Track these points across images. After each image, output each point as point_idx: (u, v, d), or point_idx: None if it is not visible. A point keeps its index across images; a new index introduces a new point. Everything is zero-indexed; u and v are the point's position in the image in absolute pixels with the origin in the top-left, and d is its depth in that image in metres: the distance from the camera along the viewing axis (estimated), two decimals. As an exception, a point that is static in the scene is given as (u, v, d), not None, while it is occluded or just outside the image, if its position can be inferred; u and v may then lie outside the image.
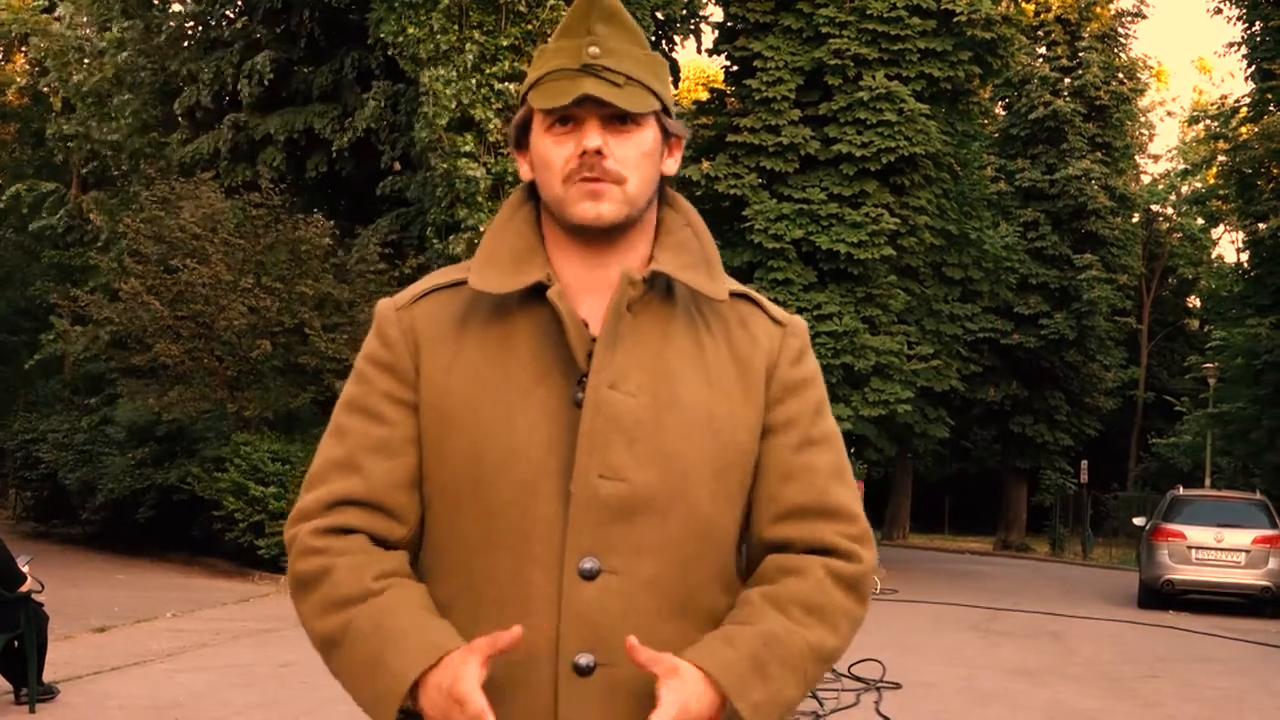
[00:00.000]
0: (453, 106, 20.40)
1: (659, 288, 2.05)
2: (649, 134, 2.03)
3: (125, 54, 27.35)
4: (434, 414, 2.02)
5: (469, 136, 20.68)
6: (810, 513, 2.05)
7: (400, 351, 2.05)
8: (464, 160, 20.49)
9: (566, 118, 2.00)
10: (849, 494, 2.09)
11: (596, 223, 1.99)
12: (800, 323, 2.17)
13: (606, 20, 2.02)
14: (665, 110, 2.06)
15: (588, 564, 1.92)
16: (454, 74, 20.46)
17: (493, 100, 20.75)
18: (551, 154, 2.01)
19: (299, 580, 2.00)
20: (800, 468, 2.06)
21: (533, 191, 2.10)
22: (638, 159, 2.01)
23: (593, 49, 1.99)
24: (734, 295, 2.12)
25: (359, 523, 2.01)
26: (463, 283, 2.06)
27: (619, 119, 2.00)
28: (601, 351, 1.97)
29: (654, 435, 1.97)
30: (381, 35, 21.64)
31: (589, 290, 2.02)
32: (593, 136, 1.97)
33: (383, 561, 1.99)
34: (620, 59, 2.00)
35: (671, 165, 2.11)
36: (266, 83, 25.07)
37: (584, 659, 1.90)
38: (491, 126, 20.61)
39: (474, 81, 20.79)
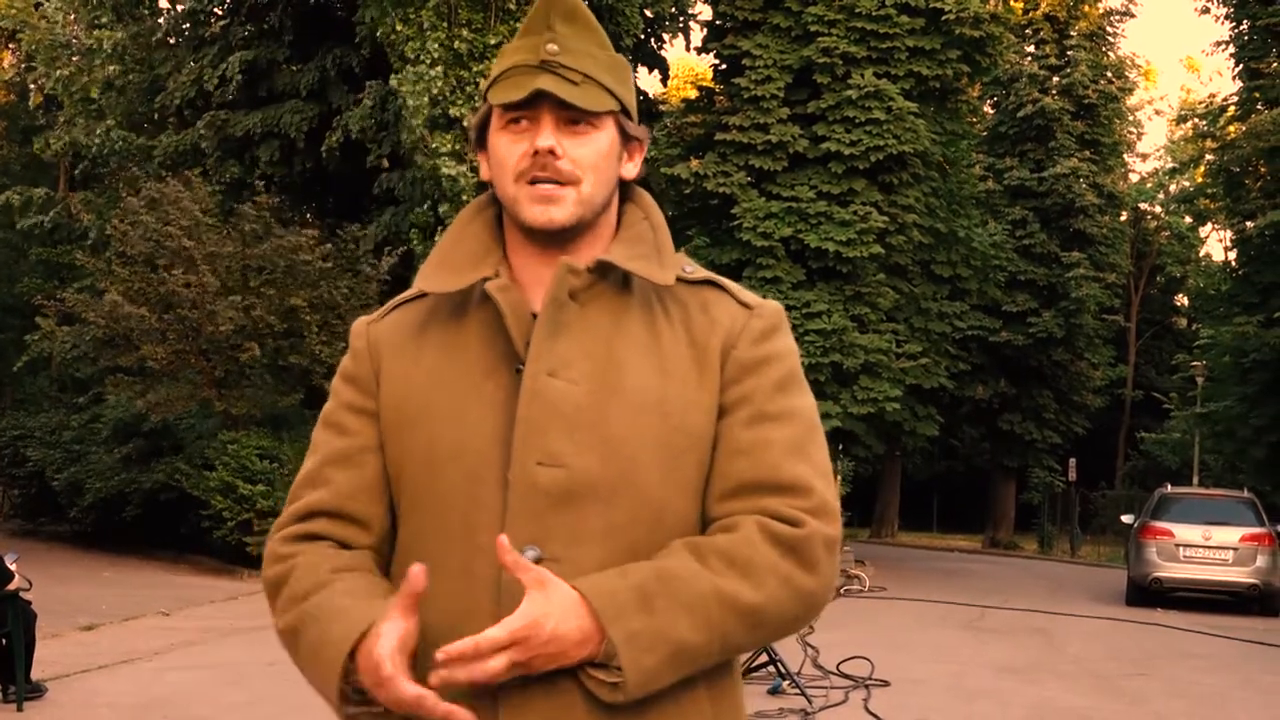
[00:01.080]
0: (426, 105, 20.36)
1: (615, 280, 2.04)
2: (606, 135, 2.03)
3: (114, 66, 27.34)
4: (394, 416, 2.05)
5: (450, 135, 20.67)
6: (759, 489, 1.97)
7: (363, 362, 2.11)
8: (444, 159, 20.47)
9: (522, 115, 2.00)
10: (807, 469, 1.99)
11: (548, 226, 1.99)
12: (772, 306, 2.12)
13: (567, 19, 2.02)
14: (626, 112, 2.05)
15: (529, 553, 1.89)
16: (424, 68, 20.42)
17: (477, 98, 20.74)
18: (506, 151, 2.02)
19: (267, 585, 2.06)
20: (751, 443, 1.99)
21: (496, 196, 2.11)
22: (594, 160, 2.01)
23: (551, 46, 1.99)
24: (701, 282, 2.09)
25: (327, 530, 2.05)
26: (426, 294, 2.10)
27: (575, 119, 1.99)
28: (540, 340, 1.97)
29: (596, 422, 1.95)
30: (377, 32, 21.59)
31: (546, 287, 2.02)
32: (546, 136, 1.98)
33: (341, 557, 2.03)
34: (579, 57, 2.00)
35: (631, 169, 2.10)
36: (237, 80, 25.04)
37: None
38: (472, 123, 20.60)
39: (453, 78, 20.75)
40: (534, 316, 2.00)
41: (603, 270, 2.02)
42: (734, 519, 1.96)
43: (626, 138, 2.08)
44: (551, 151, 1.97)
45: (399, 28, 20.91)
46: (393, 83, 20.84)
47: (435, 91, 20.57)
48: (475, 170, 20.17)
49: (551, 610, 1.82)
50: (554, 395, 1.95)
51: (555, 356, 1.97)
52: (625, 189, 2.11)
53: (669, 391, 1.99)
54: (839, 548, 2.01)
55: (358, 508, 2.06)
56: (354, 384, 2.10)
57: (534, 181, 1.98)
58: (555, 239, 2.02)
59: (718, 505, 2.00)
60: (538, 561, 1.90)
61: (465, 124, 20.77)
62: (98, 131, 27.42)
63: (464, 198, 20.46)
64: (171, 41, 27.77)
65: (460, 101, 20.75)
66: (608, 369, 1.98)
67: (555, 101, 1.97)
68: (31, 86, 33.27)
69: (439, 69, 20.68)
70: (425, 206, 21.25)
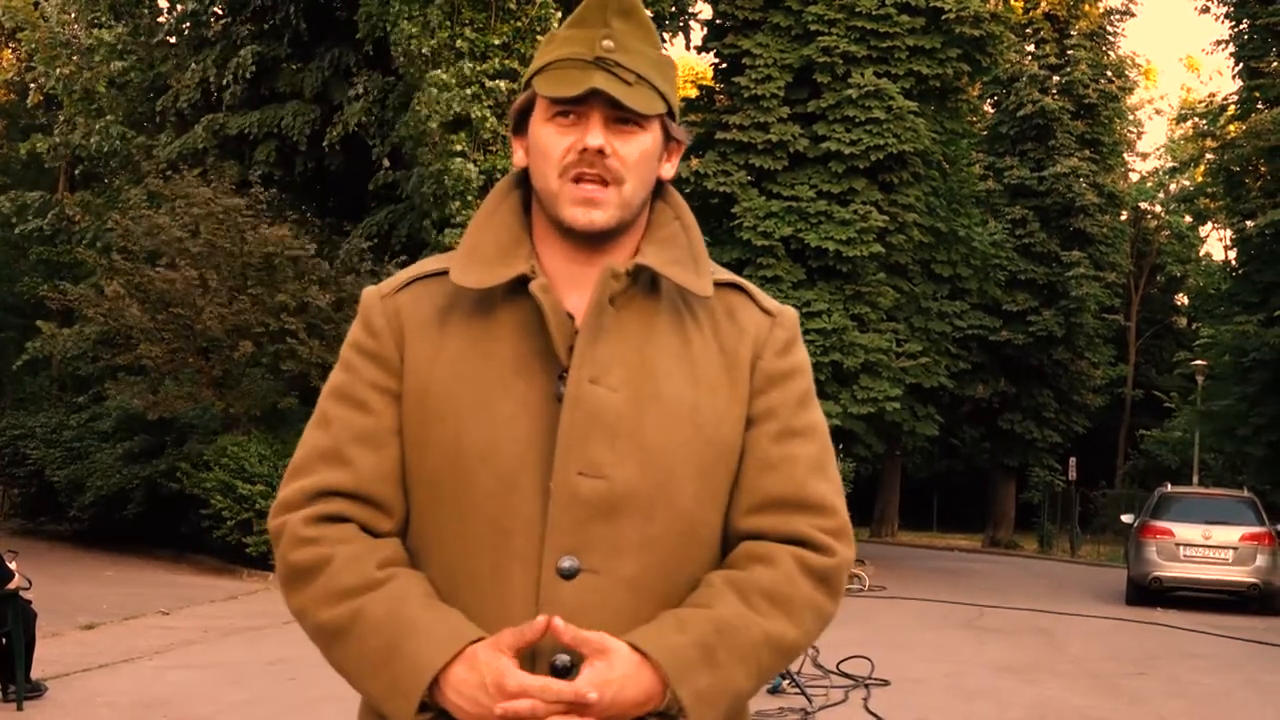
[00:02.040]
0: (448, 112, 20.34)
1: (644, 282, 2.01)
2: (652, 136, 2.00)
3: (116, 62, 27.35)
4: (416, 404, 1.99)
5: (462, 135, 20.65)
6: (786, 505, 2.00)
7: (385, 340, 2.03)
8: (456, 160, 20.45)
9: (571, 109, 1.97)
10: (829, 488, 2.04)
11: (589, 229, 1.96)
12: (790, 313, 2.13)
13: (623, 15, 1.99)
14: (670, 113, 2.03)
15: (566, 563, 1.89)
16: (453, 80, 20.41)
17: (483, 98, 20.71)
18: (551, 144, 1.97)
19: (294, 570, 1.97)
20: (779, 459, 2.01)
21: (522, 179, 2.07)
22: (638, 161, 1.98)
23: (607, 42, 1.96)
24: (724, 285, 2.08)
25: (350, 513, 1.99)
26: (446, 272, 2.03)
27: (624, 119, 1.97)
28: (583, 345, 1.94)
29: (635, 431, 1.93)
30: (390, 33, 21.56)
31: (575, 285, 1.99)
32: (595, 134, 1.95)
33: (382, 549, 1.97)
34: (633, 57, 1.97)
35: (669, 170, 2.07)
36: (247, 78, 25.03)
37: (561, 660, 1.87)
38: (486, 124, 20.55)
39: (458, 77, 20.73)
40: (569, 317, 1.97)
41: (636, 273, 2.00)
42: (769, 549, 1.99)
43: (667, 138, 2.05)
44: (600, 150, 1.94)
45: (405, 26, 20.89)
46: (427, 80, 20.68)
47: (451, 98, 20.50)
48: (481, 169, 20.29)
49: (614, 678, 1.83)
50: (596, 403, 1.93)
51: (597, 363, 1.94)
52: (656, 186, 2.08)
53: (701, 402, 1.99)
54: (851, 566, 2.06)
55: (383, 492, 2.00)
56: (377, 361, 2.03)
57: (579, 179, 1.95)
58: (591, 238, 1.99)
59: (745, 519, 2.02)
60: (576, 572, 1.90)
61: (474, 124, 20.71)
62: (97, 127, 27.41)
63: (470, 197, 20.43)
64: (172, 41, 27.77)
65: (467, 99, 20.70)
66: (643, 377, 1.96)
67: (607, 100, 1.95)
68: (31, 86, 33.24)
69: (459, 73, 20.60)
70: (438, 203, 21.14)
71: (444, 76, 20.37)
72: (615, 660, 1.83)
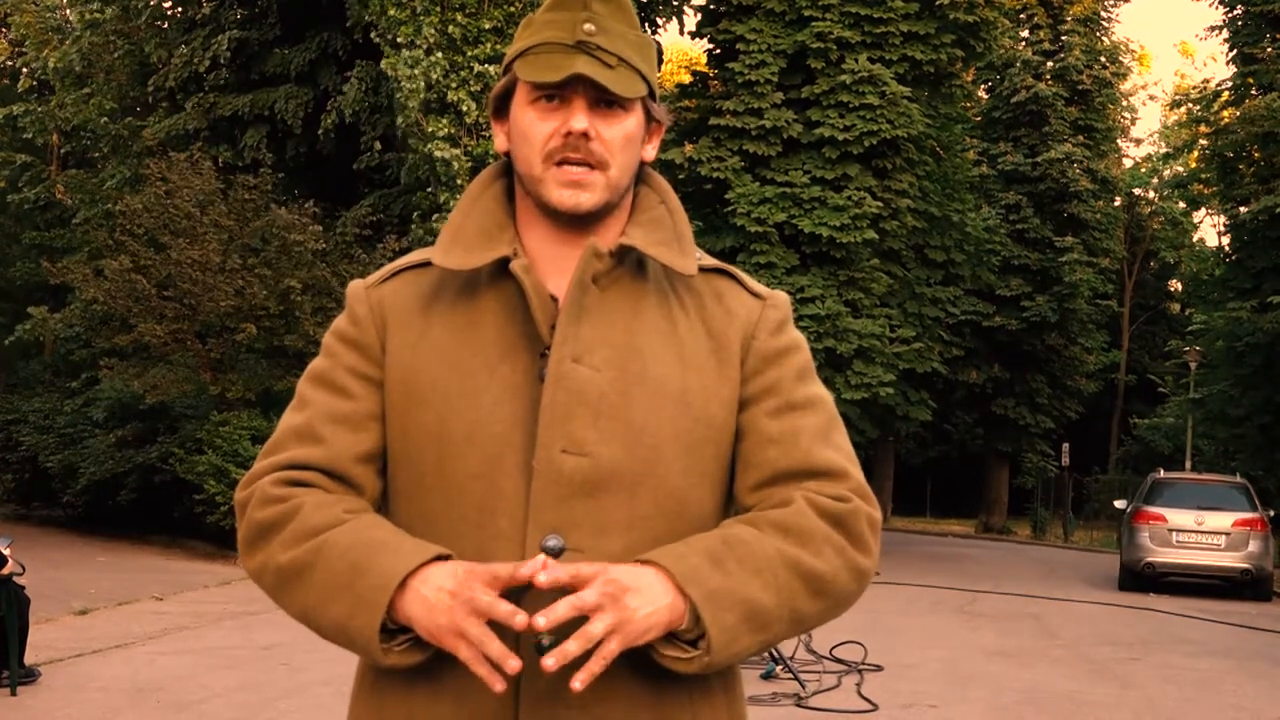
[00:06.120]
0: (421, 88, 20.28)
1: (630, 264, 2.01)
2: (635, 119, 1.99)
3: (99, 36, 27.26)
4: (400, 390, 1.99)
5: (445, 120, 20.60)
6: (794, 476, 1.96)
7: (367, 328, 2.03)
8: (439, 144, 20.41)
9: (553, 94, 1.96)
10: (838, 455, 2.00)
11: (575, 210, 1.95)
12: (781, 296, 2.12)
13: None
14: (651, 94, 2.02)
15: (551, 541, 1.87)
16: (420, 53, 20.34)
17: (472, 83, 20.66)
18: (533, 129, 1.97)
19: (260, 527, 1.93)
20: (781, 432, 1.99)
21: (506, 168, 2.07)
22: (622, 143, 1.97)
23: (588, 25, 1.95)
24: (711, 270, 2.08)
25: (319, 484, 1.97)
26: (431, 262, 2.03)
27: (608, 102, 1.96)
28: (565, 324, 1.93)
29: (620, 409, 1.92)
30: (368, 18, 21.54)
31: (559, 268, 1.99)
32: (580, 118, 1.93)
33: (351, 501, 1.96)
34: (614, 39, 1.96)
35: (650, 151, 2.07)
36: (224, 62, 25.01)
37: (546, 637, 1.84)
38: (469, 108, 20.50)
39: (446, 62, 20.68)
40: (552, 299, 1.97)
41: (622, 254, 2.00)
42: (781, 495, 1.95)
43: (649, 119, 2.05)
44: (585, 134, 1.93)
45: (391, 11, 20.84)
46: (384, 65, 20.75)
47: (433, 77, 20.46)
48: (470, 154, 20.25)
49: (623, 577, 1.78)
50: (579, 382, 1.92)
51: (580, 342, 1.93)
52: (638, 170, 2.07)
53: (689, 381, 1.97)
54: (880, 531, 2.00)
55: (356, 472, 1.98)
56: (357, 348, 2.02)
57: (563, 163, 1.95)
58: (576, 220, 1.98)
59: (751, 495, 1.99)
60: (561, 550, 1.88)
61: (463, 109, 20.68)
62: (91, 103, 27.36)
63: (459, 182, 20.39)
64: (164, 26, 27.69)
65: (455, 85, 20.66)
66: (629, 356, 1.95)
67: (590, 84, 1.94)
68: (24, 71, 33.19)
69: (436, 55, 20.57)
70: (428, 189, 21.14)
71: (409, 54, 20.30)
72: (611, 569, 1.79)
